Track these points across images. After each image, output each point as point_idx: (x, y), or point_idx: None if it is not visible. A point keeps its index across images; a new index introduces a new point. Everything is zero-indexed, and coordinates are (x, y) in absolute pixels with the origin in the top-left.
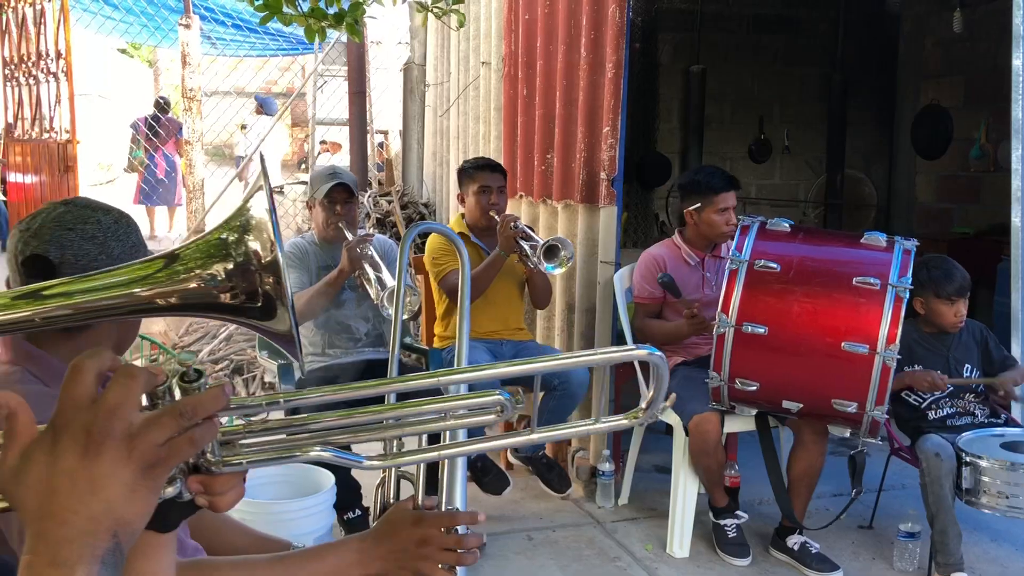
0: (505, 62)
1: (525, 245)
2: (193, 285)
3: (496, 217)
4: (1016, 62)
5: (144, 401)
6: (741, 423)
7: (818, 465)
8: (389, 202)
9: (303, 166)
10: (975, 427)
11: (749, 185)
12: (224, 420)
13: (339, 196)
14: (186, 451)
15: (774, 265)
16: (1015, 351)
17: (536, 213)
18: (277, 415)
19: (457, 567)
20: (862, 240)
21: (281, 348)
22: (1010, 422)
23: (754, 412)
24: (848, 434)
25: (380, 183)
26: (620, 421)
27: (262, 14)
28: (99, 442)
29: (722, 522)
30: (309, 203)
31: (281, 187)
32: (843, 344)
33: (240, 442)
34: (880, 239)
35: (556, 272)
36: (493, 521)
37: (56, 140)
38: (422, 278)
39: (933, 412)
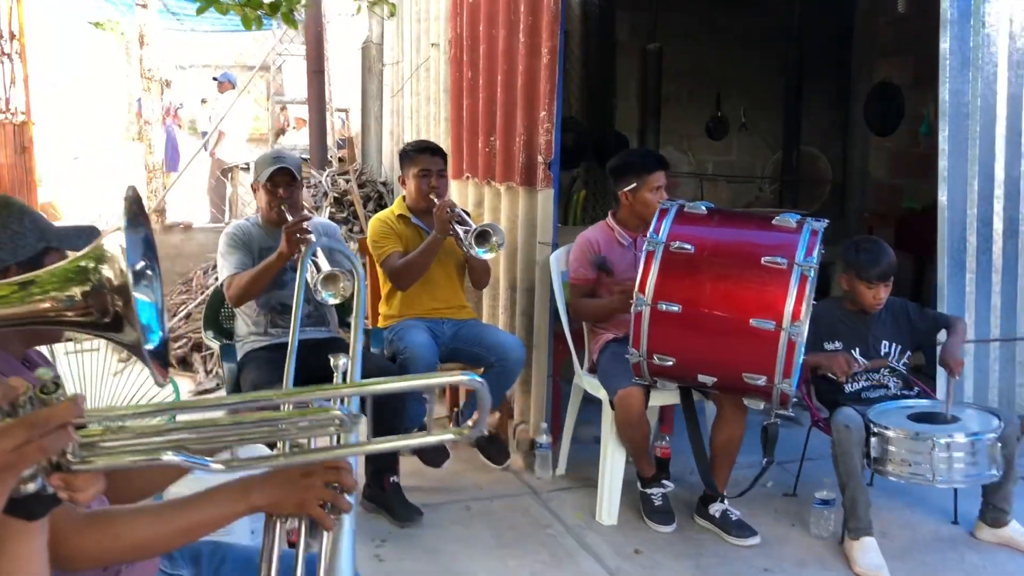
0: (451, 45)
1: (459, 229)
2: (47, 305)
3: (435, 200)
4: (943, 45)
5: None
6: (665, 397)
7: (738, 436)
8: (347, 181)
9: (278, 140)
10: (888, 399)
11: (706, 162)
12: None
13: (281, 180)
14: (35, 457)
15: (688, 247)
16: None
17: (482, 194)
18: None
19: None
20: (773, 221)
21: (134, 355)
22: (922, 394)
23: (675, 386)
24: (762, 407)
25: (342, 160)
26: (448, 436)
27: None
28: None
29: (649, 491)
30: (254, 186)
31: (248, 164)
32: (751, 321)
33: (100, 444)
34: (790, 220)
35: (486, 256)
36: (433, 492)
37: (12, 122)
38: (368, 259)
39: (849, 386)
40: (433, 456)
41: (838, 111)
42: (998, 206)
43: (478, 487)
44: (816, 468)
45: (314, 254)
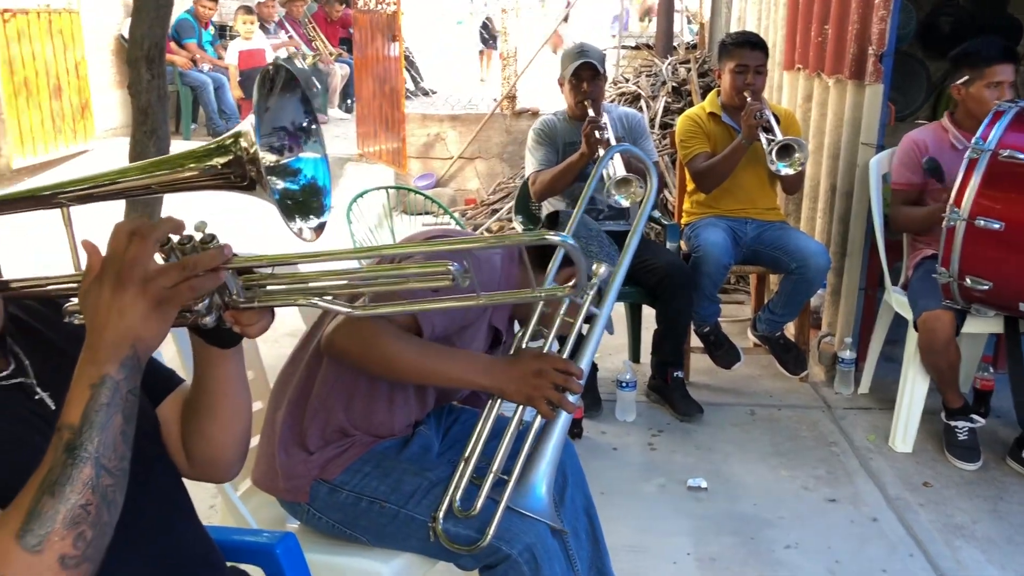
0: None
1: (764, 137)
2: (189, 174)
3: (748, 99)
4: None
5: (175, 252)
6: (984, 324)
7: None
8: (688, 70)
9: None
10: None
11: None
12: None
13: (585, 74)
14: (187, 295)
15: (1022, 156)
16: None
17: (811, 88)
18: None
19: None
20: None
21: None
22: None
23: (992, 313)
24: None
25: (694, 46)
26: (555, 293)
27: None
28: (123, 283)
29: (953, 423)
30: (560, 80)
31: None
32: None
33: (259, 287)
34: None
35: (785, 172)
36: (720, 392)
37: (384, 12)
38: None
39: None
40: (724, 357)
41: None
42: None
43: (768, 394)
44: None
45: (611, 158)
